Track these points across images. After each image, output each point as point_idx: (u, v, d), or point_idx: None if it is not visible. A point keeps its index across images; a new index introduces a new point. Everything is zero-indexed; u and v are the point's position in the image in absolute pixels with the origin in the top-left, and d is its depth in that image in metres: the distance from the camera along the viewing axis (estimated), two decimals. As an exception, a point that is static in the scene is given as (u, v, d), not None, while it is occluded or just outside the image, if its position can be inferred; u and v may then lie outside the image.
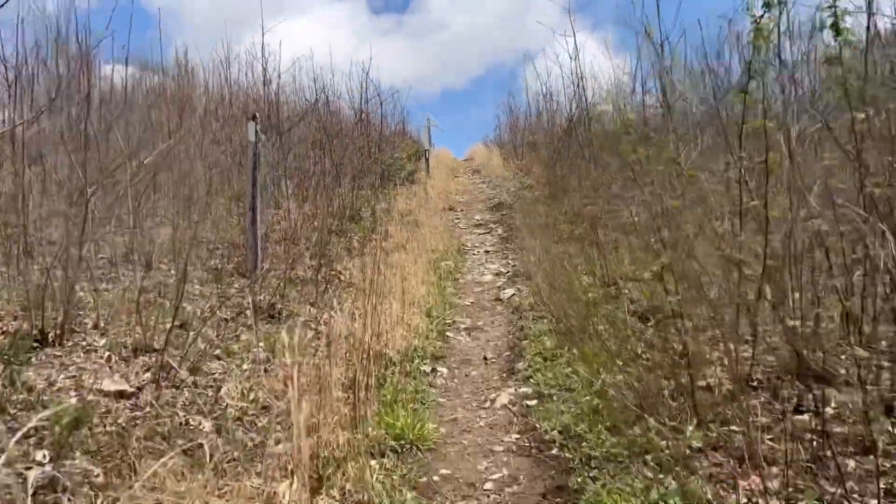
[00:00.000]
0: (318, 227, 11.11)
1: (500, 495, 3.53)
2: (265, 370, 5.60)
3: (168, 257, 8.82)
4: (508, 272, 9.43)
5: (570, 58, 12.73)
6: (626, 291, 7.09)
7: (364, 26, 39.70)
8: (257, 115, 8.60)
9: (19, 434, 2.94)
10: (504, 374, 5.61)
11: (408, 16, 46.65)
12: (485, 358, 6.08)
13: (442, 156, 25.48)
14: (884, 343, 3.97)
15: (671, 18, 21.73)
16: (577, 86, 12.88)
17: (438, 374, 5.72)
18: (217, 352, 5.77)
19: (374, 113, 18.18)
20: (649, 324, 6.01)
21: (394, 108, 23.82)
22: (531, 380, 5.26)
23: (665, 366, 4.85)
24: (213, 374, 5.39)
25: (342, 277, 8.71)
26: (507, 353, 6.12)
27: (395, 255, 10.44)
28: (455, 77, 46.33)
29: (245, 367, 5.47)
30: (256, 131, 8.57)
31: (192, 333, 6.08)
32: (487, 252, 11.08)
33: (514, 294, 8.10)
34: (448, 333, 6.81)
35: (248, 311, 7.08)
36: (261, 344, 6.22)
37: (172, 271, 8.39)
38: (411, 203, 15.99)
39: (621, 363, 5.13)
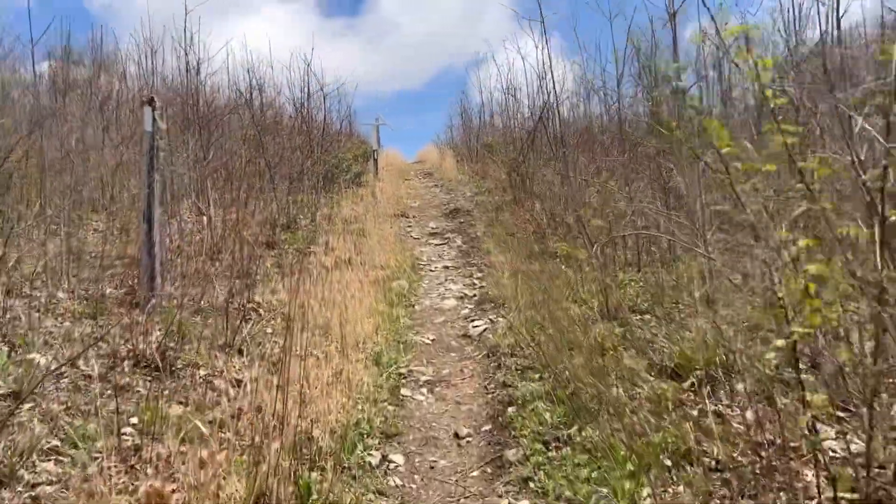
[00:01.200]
0: (242, 239, 9.10)
1: None
2: (130, 467, 3.65)
3: (45, 278, 6.74)
4: (475, 295, 7.59)
5: (536, 45, 10.94)
6: (640, 330, 5.32)
7: (314, 28, 37.54)
8: (155, 98, 6.56)
9: None
10: (488, 469, 3.75)
11: (359, 19, 44.58)
12: (457, 435, 4.22)
13: (392, 157, 23.54)
14: None
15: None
16: (545, 76, 11.14)
17: (392, 466, 3.83)
18: (55, 442, 3.77)
19: (317, 109, 16.18)
20: (686, 385, 4.24)
21: (339, 104, 21.83)
22: (532, 484, 3.42)
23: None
24: (38, 483, 3.39)
25: (261, 310, 6.70)
26: (487, 428, 4.26)
27: (337, 273, 8.51)
28: (408, 80, 44.45)
29: (93, 469, 3.48)
30: (154, 118, 6.55)
31: (26, 408, 4.08)
32: (447, 268, 9.23)
33: (485, 328, 6.25)
34: (404, 391, 4.92)
35: (126, 363, 5.07)
36: (133, 421, 4.23)
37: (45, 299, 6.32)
38: (357, 208, 14.03)
39: (671, 463, 3.34)
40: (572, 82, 15.93)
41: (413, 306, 7.36)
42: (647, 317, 5.84)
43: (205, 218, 9.78)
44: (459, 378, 5.18)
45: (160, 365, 5.15)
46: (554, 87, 10.60)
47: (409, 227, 13.02)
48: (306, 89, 15.69)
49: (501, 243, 9.95)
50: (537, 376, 4.68)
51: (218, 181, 11.04)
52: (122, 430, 4.00)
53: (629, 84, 10.87)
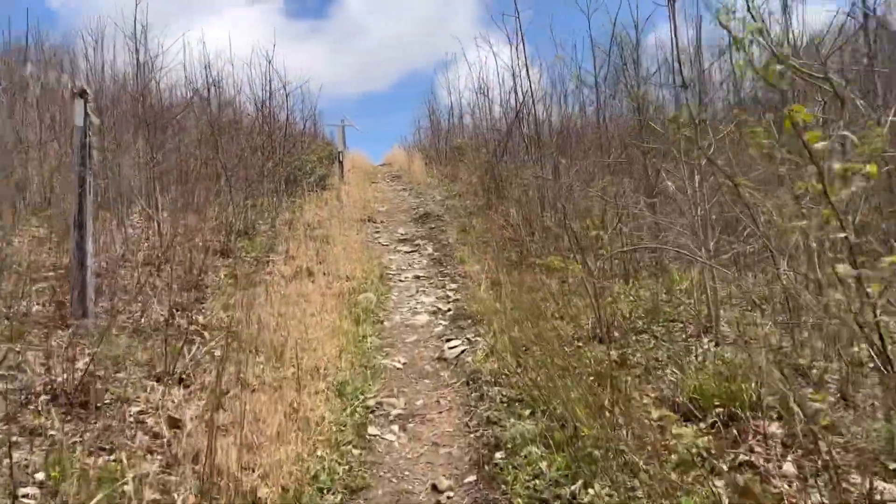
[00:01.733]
0: (194, 246, 8.28)
1: None
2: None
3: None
4: (449, 310, 6.88)
5: (510, 43, 10.28)
6: (639, 353, 4.67)
7: (279, 30, 36.61)
8: (87, 90, 5.74)
9: None
10: (477, 540, 3.05)
11: (325, 21, 43.61)
12: (435, 488, 3.50)
13: (358, 160, 22.73)
14: None
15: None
16: (519, 73, 10.48)
17: (356, 537, 3.10)
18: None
19: (279, 108, 15.33)
20: (703, 426, 3.59)
21: (303, 104, 20.99)
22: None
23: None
24: None
25: (207, 332, 5.91)
26: (471, 479, 3.55)
27: (297, 284, 7.74)
28: (374, 82, 43.57)
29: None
30: (87, 112, 5.72)
31: None
32: (418, 278, 8.50)
33: (463, 350, 5.55)
34: (371, 430, 4.19)
35: (42, 399, 4.26)
36: (38, 477, 3.43)
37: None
38: (322, 213, 13.23)
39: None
40: (547, 82, 15.36)
41: (382, 322, 6.62)
42: (645, 336, 5.20)
43: (154, 223, 8.93)
44: (436, 411, 4.46)
45: (84, 400, 4.36)
46: (530, 85, 9.96)
47: (377, 232, 12.27)
48: (268, 87, 14.85)
49: (476, 251, 9.27)
50: (528, 412, 3.99)
51: (169, 184, 10.19)
52: (22, 493, 3.21)
53: (609, 83, 10.27)
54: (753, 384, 3.53)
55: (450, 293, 7.51)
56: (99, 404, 4.30)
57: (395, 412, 4.42)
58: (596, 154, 9.13)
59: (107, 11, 22.98)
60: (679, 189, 6.30)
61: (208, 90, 13.39)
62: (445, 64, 24.43)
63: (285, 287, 7.60)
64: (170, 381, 4.70)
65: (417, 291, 7.84)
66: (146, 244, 8.74)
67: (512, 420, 3.96)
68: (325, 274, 8.23)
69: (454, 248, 9.81)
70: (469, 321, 6.39)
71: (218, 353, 5.49)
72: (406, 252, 10.26)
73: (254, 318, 6.42)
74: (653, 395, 3.88)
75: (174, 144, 11.08)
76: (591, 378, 4.25)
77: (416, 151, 22.10)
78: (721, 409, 3.56)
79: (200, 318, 6.12)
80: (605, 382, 4.17)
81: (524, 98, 10.00)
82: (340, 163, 17.96)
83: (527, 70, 9.96)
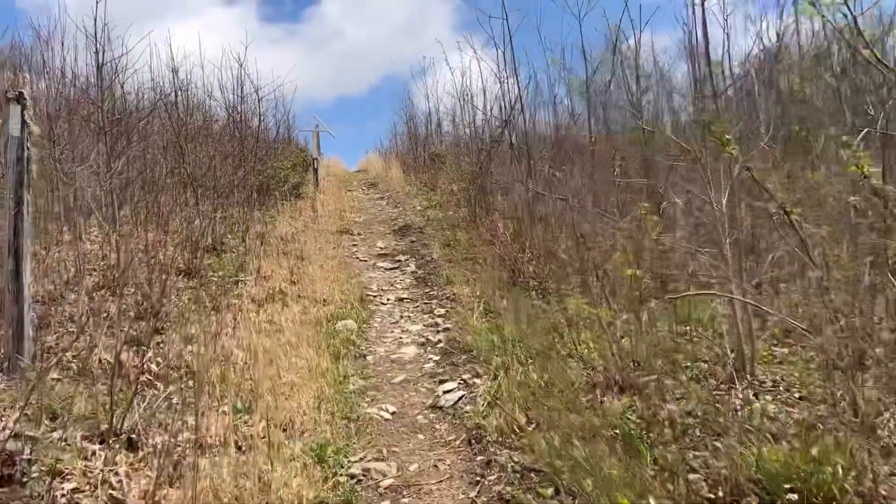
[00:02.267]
0: (155, 266, 7.46)
1: None
2: None
3: None
4: (440, 342, 6.14)
5: (496, 46, 9.61)
6: (668, 410, 3.98)
7: (254, 34, 35.66)
8: (24, 93, 4.91)
9: None
10: None
11: (301, 25, 42.66)
12: None
13: (333, 166, 21.95)
14: None
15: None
16: (506, 78, 9.79)
17: None
18: None
19: (252, 113, 14.49)
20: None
21: (276, 109, 20.14)
22: None
23: None
24: None
25: (160, 375, 5.13)
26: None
27: (269, 308, 6.97)
28: (351, 86, 42.78)
29: None
30: (24, 120, 4.90)
31: None
32: (401, 300, 7.76)
33: (461, 396, 4.80)
34: (358, 509, 3.44)
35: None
36: None
37: None
38: (296, 224, 12.44)
39: None
40: (533, 88, 14.56)
41: (364, 357, 5.86)
42: (669, 382, 4.51)
43: (111, 240, 8.07)
44: (434, 480, 3.72)
45: (8, 474, 3.55)
46: (519, 90, 9.28)
47: (355, 245, 11.50)
48: (239, 91, 14.00)
49: (463, 269, 8.56)
50: (549, 490, 3.27)
51: (131, 196, 9.33)
52: None
53: (602, 88, 9.62)
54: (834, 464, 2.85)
55: (438, 319, 6.77)
56: (25, 479, 3.50)
57: (385, 482, 3.67)
58: (592, 165, 8.46)
59: (73, 10, 21.87)
60: (699, 209, 5.65)
61: (175, 94, 12.52)
62: (423, 69, 23.63)
63: (256, 313, 6.81)
64: (116, 444, 3.90)
65: (402, 317, 7.09)
66: (103, 263, 7.89)
67: (529, 495, 3.25)
68: (300, 297, 7.46)
69: (439, 266, 9.08)
70: (464, 356, 5.66)
71: (176, 400, 4.70)
72: (387, 269, 9.50)
73: (219, 353, 5.64)
74: (703, 471, 3.18)
75: (138, 152, 10.22)
76: (621, 441, 3.56)
77: (392, 158, 21.34)
78: (793, 496, 2.88)
79: (156, 363, 5.29)
80: (638, 447, 3.48)
81: (514, 104, 9.31)
82: (315, 170, 17.14)
83: (516, 75, 9.29)
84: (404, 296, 7.93)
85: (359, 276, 9.03)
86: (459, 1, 34.04)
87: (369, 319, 7.03)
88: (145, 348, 5.62)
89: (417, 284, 8.45)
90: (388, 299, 7.83)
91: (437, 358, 5.78)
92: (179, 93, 11.63)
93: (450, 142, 18.38)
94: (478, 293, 7.38)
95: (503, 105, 9.97)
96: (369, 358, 5.82)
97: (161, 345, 5.79)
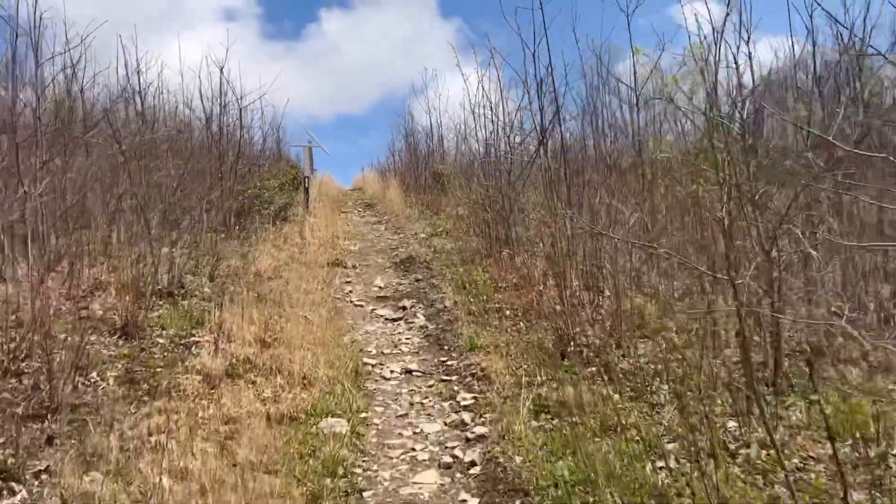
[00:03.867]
0: (76, 325, 5.29)
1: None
2: None
3: None
4: (472, 463, 3.97)
5: (524, 46, 7.51)
6: None
7: (254, 51, 33.93)
8: None
9: None
10: None
11: (300, 42, 40.83)
12: None
13: (326, 184, 19.78)
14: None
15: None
16: (539, 87, 7.70)
17: None
18: None
19: (234, 126, 12.36)
20: None
21: (262, 120, 18.02)
22: None
23: None
24: None
25: None
26: None
27: (225, 393, 4.82)
28: (350, 103, 40.86)
29: None
30: None
31: None
32: (410, 373, 5.62)
33: None
34: None
35: None
36: None
37: None
38: (280, 254, 10.29)
39: None
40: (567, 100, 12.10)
41: (360, 492, 3.69)
42: None
43: (20, 286, 5.90)
44: None
45: None
46: (556, 100, 7.19)
47: (348, 281, 9.36)
48: (220, 100, 11.86)
49: (489, 327, 6.43)
50: None
51: (59, 227, 7.17)
52: None
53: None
54: None
55: (466, 416, 4.61)
56: None
57: None
58: (671, 198, 6.35)
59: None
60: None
61: (131, 99, 10.36)
62: (425, 82, 21.60)
63: (207, 404, 4.66)
64: None
65: (413, 406, 4.94)
66: (13, 318, 5.72)
67: None
68: (272, 371, 5.31)
69: (455, 318, 6.94)
70: (513, 493, 3.51)
71: None
72: (388, 320, 7.35)
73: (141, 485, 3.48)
74: None
75: (81, 171, 8.07)
76: None
77: (391, 176, 19.23)
78: None
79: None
80: None
81: (552, 117, 7.21)
82: (306, 189, 15.01)
83: (552, 82, 7.19)
84: (414, 366, 5.77)
85: (353, 330, 6.88)
86: (460, 22, 32.35)
87: (367, 409, 4.86)
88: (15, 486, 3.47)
89: (430, 346, 6.31)
90: (391, 371, 5.67)
91: (475, 489, 3.63)
92: (137, 99, 9.45)
93: (455, 160, 16.28)
94: (515, 368, 5.25)
95: (533, 118, 7.87)
96: (368, 496, 3.65)
97: (45, 476, 3.62)
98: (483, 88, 9.55)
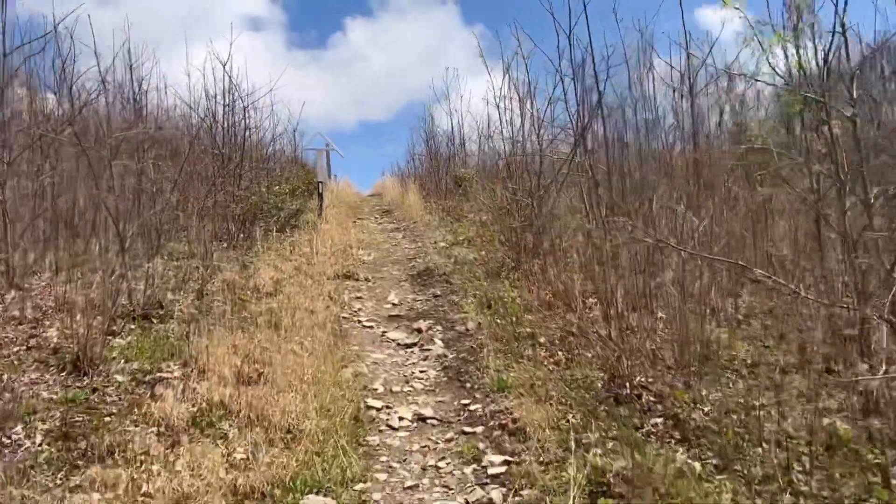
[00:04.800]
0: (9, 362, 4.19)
1: None
2: None
3: None
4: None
5: (558, 28, 6.31)
6: None
7: (280, 60, 33.33)
8: None
9: None
10: None
11: (326, 51, 40.15)
12: None
13: (343, 190, 18.69)
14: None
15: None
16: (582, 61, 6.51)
17: None
18: None
19: (238, 125, 11.29)
20: None
21: (272, 121, 17.00)
22: None
23: None
24: None
25: None
26: None
27: (183, 458, 3.67)
28: (374, 110, 40.08)
29: None
30: None
31: None
32: (422, 422, 4.44)
33: None
34: None
35: None
36: None
37: None
38: (285, 266, 9.17)
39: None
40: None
41: None
42: None
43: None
44: None
45: None
46: (598, 87, 5.98)
47: (359, 297, 8.22)
48: (222, 98, 10.80)
49: (520, 358, 5.22)
50: None
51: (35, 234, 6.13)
52: None
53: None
54: None
55: (496, 496, 3.38)
56: None
57: None
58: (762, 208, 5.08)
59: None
60: None
61: (133, 95, 9.35)
62: (446, 84, 20.47)
63: (159, 466, 3.52)
64: None
65: (426, 474, 3.75)
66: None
67: None
68: (249, 420, 4.15)
69: (479, 345, 5.75)
70: None
71: None
72: (401, 346, 6.18)
73: None
74: None
75: (59, 174, 7.04)
76: None
77: (410, 181, 18.07)
78: None
79: None
80: None
81: (593, 108, 5.99)
82: (320, 195, 13.89)
83: (592, 65, 5.98)
84: (429, 411, 4.58)
85: (358, 359, 5.71)
86: (483, 28, 31.41)
87: (366, 476, 3.68)
88: None
89: (449, 382, 5.12)
90: (400, 419, 4.48)
91: None
92: (121, 92, 8.41)
93: (478, 163, 15.12)
94: (557, 418, 4.04)
95: (569, 111, 6.65)
96: None
97: None
98: (510, 78, 8.32)
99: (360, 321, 7.09)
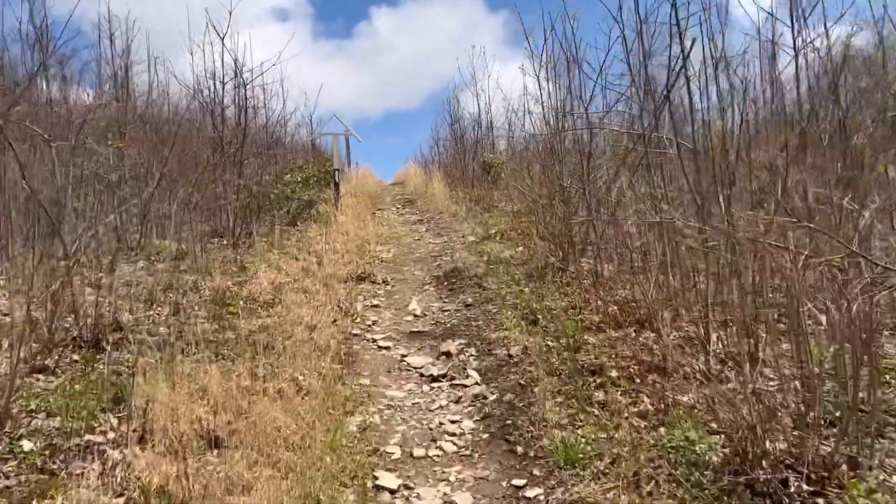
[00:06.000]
0: None
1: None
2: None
3: None
4: None
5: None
6: None
7: (307, 48, 32.23)
8: None
9: None
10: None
11: (351, 41, 39.04)
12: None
13: (363, 179, 17.26)
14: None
15: None
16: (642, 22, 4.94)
17: None
18: None
19: (240, 107, 9.87)
20: None
21: (280, 101, 15.61)
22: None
23: None
24: None
25: None
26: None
27: None
28: (399, 98, 38.85)
29: None
30: None
31: None
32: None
33: None
34: None
35: None
36: None
37: None
38: (290, 265, 7.80)
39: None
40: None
41: None
42: None
43: None
44: None
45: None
46: (680, 37, 4.44)
47: (375, 304, 6.79)
48: (222, 75, 9.39)
49: (588, 405, 3.72)
50: None
51: None
52: None
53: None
54: None
55: None
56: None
57: None
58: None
59: None
60: None
61: (112, 70, 7.94)
62: (472, 62, 18.88)
63: None
64: None
65: None
66: None
67: None
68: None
69: (529, 380, 4.25)
70: None
71: None
72: (425, 378, 4.71)
73: None
74: None
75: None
76: None
77: (434, 169, 16.56)
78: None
79: None
80: None
81: (675, 66, 4.42)
82: (336, 184, 12.46)
83: (676, 20, 4.41)
84: (465, 496, 3.10)
85: (368, 400, 4.26)
86: (507, 14, 29.87)
87: None
88: None
89: (491, 442, 3.63)
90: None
91: None
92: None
93: (508, 147, 13.59)
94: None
95: (632, 71, 5.09)
96: None
97: None
98: (556, 36, 6.72)
99: (374, 339, 5.64)
